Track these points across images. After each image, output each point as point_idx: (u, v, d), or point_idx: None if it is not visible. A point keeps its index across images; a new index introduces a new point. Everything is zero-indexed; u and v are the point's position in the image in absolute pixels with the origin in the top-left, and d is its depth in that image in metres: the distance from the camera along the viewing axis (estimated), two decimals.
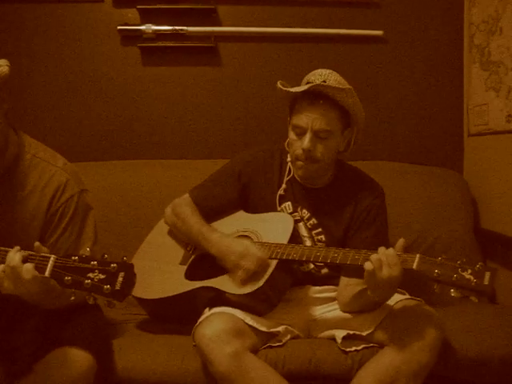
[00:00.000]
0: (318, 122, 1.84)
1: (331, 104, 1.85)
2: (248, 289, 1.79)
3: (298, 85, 1.92)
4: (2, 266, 1.44)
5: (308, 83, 1.87)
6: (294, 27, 2.69)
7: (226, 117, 2.73)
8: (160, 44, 2.68)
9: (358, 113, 1.91)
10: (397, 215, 2.32)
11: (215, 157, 2.60)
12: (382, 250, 1.67)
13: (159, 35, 2.67)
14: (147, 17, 2.67)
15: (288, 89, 1.89)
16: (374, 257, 1.65)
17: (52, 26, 2.68)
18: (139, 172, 2.56)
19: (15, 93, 2.63)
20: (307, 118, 1.85)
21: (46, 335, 1.63)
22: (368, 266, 1.65)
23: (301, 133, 1.87)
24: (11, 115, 1.70)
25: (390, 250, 1.66)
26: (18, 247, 1.46)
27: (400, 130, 2.74)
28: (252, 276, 1.79)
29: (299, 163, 1.91)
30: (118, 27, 2.66)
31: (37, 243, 1.44)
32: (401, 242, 1.69)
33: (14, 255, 1.43)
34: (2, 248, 1.49)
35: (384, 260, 1.64)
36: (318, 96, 1.84)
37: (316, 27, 2.68)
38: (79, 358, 1.59)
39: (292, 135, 1.91)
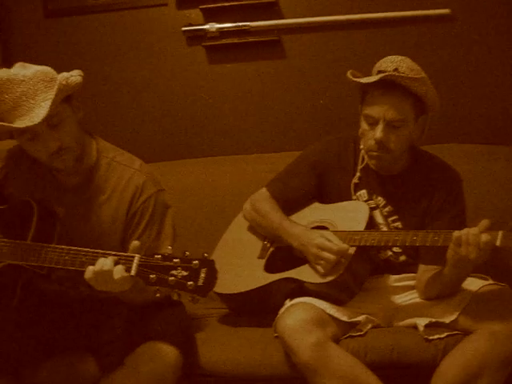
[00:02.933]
0: (391, 111, 1.80)
1: (404, 93, 1.80)
2: (328, 278, 1.79)
3: (367, 72, 1.89)
4: (92, 267, 1.50)
5: (379, 72, 1.83)
6: (357, 13, 2.64)
7: (295, 109, 2.72)
8: (224, 41, 2.70)
9: (433, 100, 1.85)
10: (473, 199, 2.23)
11: (287, 149, 2.60)
12: (464, 230, 1.64)
13: (223, 33, 2.69)
14: (210, 16, 2.70)
15: (358, 79, 1.86)
16: (455, 234, 1.64)
17: (120, 32, 2.77)
18: (212, 169, 2.59)
19: (90, 99, 2.73)
20: (379, 108, 1.81)
21: (134, 330, 1.70)
22: (456, 233, 1.64)
23: (373, 123, 1.84)
24: (87, 121, 1.78)
25: (474, 228, 1.63)
26: (107, 252, 1.52)
27: (472, 110, 2.64)
28: (333, 266, 1.80)
29: (372, 154, 1.89)
30: (183, 28, 2.70)
31: (136, 242, 1.50)
32: (484, 222, 1.64)
33: (106, 260, 1.49)
34: (91, 250, 1.56)
35: (464, 239, 1.62)
36: (389, 85, 1.79)
37: (380, 11, 2.62)
38: (166, 352, 1.65)
39: (364, 125, 1.89)
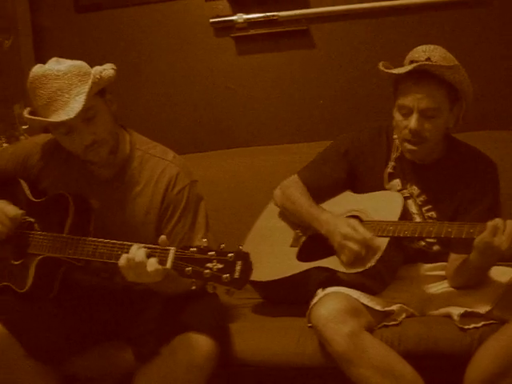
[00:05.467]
0: (425, 100, 1.79)
1: (438, 82, 1.78)
2: (361, 267, 1.78)
3: (398, 61, 1.87)
4: (126, 255, 1.52)
5: (412, 62, 1.81)
6: (387, 0, 2.59)
7: (324, 98, 2.71)
8: (252, 32, 2.69)
9: (467, 88, 1.84)
10: (506, 186, 2.19)
11: (317, 139, 2.57)
12: (499, 220, 1.64)
13: (251, 23, 2.69)
14: (238, 7, 2.69)
15: (391, 70, 1.84)
16: (492, 222, 1.63)
17: (149, 25, 2.79)
18: (242, 160, 2.60)
19: (120, 92, 2.75)
20: (413, 98, 1.80)
21: (169, 321, 1.72)
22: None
23: (407, 113, 1.83)
24: (120, 115, 1.80)
25: (511, 221, 1.62)
26: (140, 244, 1.53)
27: (505, 97, 2.58)
28: (358, 258, 1.78)
29: (407, 145, 1.88)
30: (211, 20, 2.70)
31: (163, 237, 1.51)
32: None
33: (138, 251, 1.50)
34: (127, 243, 1.58)
35: (501, 229, 1.61)
36: (423, 75, 1.78)
37: None
38: (202, 343, 1.66)
39: (398, 116, 1.87)
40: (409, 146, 1.87)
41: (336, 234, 1.83)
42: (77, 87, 1.62)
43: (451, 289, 1.90)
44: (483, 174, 1.90)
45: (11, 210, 1.77)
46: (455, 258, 1.86)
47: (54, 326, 1.73)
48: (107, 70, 1.68)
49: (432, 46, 1.82)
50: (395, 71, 1.83)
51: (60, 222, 1.72)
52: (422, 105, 1.79)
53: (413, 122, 1.81)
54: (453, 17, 2.57)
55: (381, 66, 1.87)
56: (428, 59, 1.78)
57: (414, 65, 1.77)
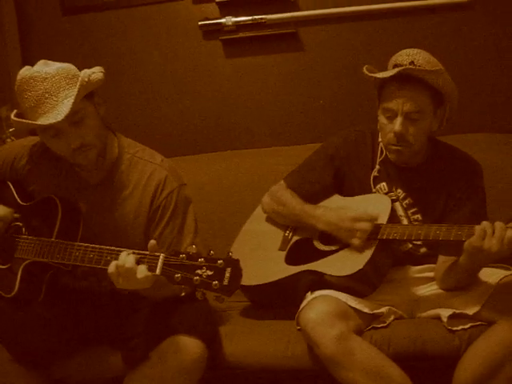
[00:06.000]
0: (409, 103, 1.80)
1: (421, 85, 1.80)
2: (349, 270, 1.79)
3: (385, 64, 1.88)
4: (115, 262, 1.51)
5: (395, 66, 1.83)
6: (374, 4, 2.61)
7: (312, 101, 2.71)
8: (241, 35, 2.69)
9: (451, 91, 1.85)
10: (496, 190, 2.21)
11: (305, 142, 2.59)
12: (486, 223, 1.65)
13: (240, 26, 2.68)
14: (226, 9, 2.69)
15: (375, 75, 1.86)
16: (480, 226, 1.64)
17: (137, 28, 2.78)
18: (230, 163, 2.60)
19: (108, 95, 2.73)
20: (397, 101, 1.81)
21: (158, 325, 1.71)
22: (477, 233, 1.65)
23: (391, 116, 1.84)
24: (108, 118, 1.79)
25: (500, 222, 1.63)
26: (129, 250, 1.53)
27: (494, 99, 2.61)
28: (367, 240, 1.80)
29: (392, 147, 1.89)
30: (199, 22, 2.70)
31: (152, 241, 1.50)
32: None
33: (128, 257, 1.50)
34: (115, 248, 1.58)
35: (489, 232, 1.62)
36: (406, 78, 1.79)
37: (398, 1, 2.59)
38: (192, 346, 1.66)
39: (382, 119, 1.88)
40: (393, 147, 1.88)
41: (343, 220, 1.84)
42: (65, 90, 1.62)
43: (440, 291, 1.91)
44: (468, 177, 1.91)
45: (0, 209, 1.76)
46: (444, 261, 1.87)
47: (42, 330, 1.72)
48: (96, 73, 1.67)
49: (416, 50, 1.83)
50: (379, 75, 1.84)
51: (48, 226, 1.71)
52: (406, 108, 1.81)
53: (397, 125, 1.82)
54: (439, 20, 2.59)
55: (365, 70, 1.88)
56: (411, 63, 1.79)
57: (398, 69, 1.79)
